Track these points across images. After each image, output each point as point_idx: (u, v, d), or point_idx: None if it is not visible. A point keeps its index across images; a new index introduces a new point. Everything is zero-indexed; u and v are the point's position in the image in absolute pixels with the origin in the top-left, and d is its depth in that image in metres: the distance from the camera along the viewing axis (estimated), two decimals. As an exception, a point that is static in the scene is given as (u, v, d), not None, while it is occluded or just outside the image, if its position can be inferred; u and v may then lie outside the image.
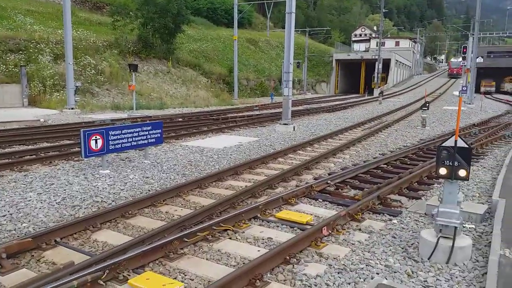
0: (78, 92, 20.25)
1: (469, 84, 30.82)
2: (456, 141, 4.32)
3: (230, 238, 5.11)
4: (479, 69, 49.17)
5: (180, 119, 17.77)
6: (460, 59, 60.98)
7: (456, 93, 40.96)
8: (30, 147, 10.68)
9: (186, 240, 4.78)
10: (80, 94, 21.33)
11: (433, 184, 7.63)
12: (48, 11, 30.59)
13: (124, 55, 28.13)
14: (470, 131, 14.96)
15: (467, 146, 4.36)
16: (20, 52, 22.17)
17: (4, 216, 5.46)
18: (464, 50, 32.40)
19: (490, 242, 4.64)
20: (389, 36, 79.55)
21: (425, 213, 5.93)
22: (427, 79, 72.56)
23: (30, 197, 6.23)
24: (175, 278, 4.06)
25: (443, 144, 4.42)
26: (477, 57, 32.27)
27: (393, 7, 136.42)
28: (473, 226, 5.41)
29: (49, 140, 11.72)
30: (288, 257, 4.44)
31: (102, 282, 3.79)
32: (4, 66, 20.81)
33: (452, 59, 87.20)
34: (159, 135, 9.17)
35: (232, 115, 20.44)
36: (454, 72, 76.45)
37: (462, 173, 4.34)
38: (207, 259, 4.52)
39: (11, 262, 4.29)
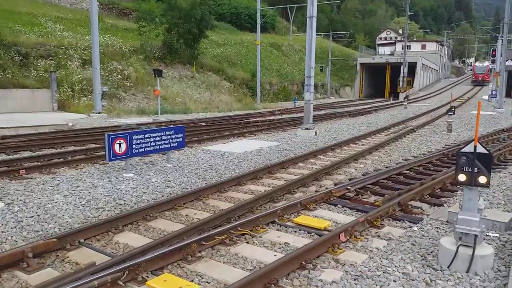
0: (105, 96, 20.86)
1: (498, 88, 29.91)
2: (475, 146, 4.24)
3: (247, 242, 5.16)
4: (510, 73, 47.66)
5: (203, 124, 18.00)
6: (486, 63, 56.66)
7: (486, 97, 39.80)
8: (58, 150, 11.07)
9: (204, 243, 4.86)
10: (107, 99, 21.95)
11: (456, 191, 7.45)
12: (77, 17, 31.64)
13: (149, 61, 28.76)
14: (498, 136, 14.52)
15: (487, 152, 4.27)
16: (50, 58, 23.02)
17: (32, 217, 5.69)
18: (494, 53, 31.51)
19: (513, 251, 4.52)
20: (415, 39, 78.11)
21: (447, 221, 5.81)
22: (455, 83, 70.75)
23: (57, 199, 6.47)
24: (192, 281, 4.14)
25: (462, 150, 4.34)
26: (506, 60, 31.27)
27: (419, 9, 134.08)
28: (497, 235, 5.27)
29: (76, 144, 12.11)
30: (304, 263, 4.45)
31: (121, 283, 3.90)
32: (35, 71, 21.66)
33: (477, 63, 75.32)
34: (181, 139, 9.33)
35: (254, 119, 20.55)
36: (479, 79, 66.58)
37: (482, 179, 4.25)
38: (224, 263, 4.59)
39: (37, 261, 4.47)
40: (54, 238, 4.80)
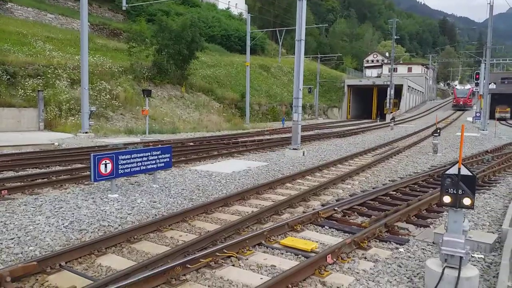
0: (92, 116, 20.72)
1: (482, 110, 30.59)
2: (459, 169, 4.29)
3: (233, 265, 5.09)
4: (493, 95, 48.71)
5: (191, 144, 17.95)
6: (468, 86, 55.58)
7: (470, 119, 40.60)
8: (42, 170, 10.89)
9: (189, 266, 4.77)
10: (95, 118, 21.80)
11: (442, 212, 7.49)
12: (67, 38, 31.69)
13: (138, 81, 28.80)
14: (482, 157, 14.74)
15: (471, 174, 4.32)
16: (38, 77, 22.89)
17: (12, 239, 5.54)
18: (477, 76, 32.36)
19: (498, 273, 4.52)
20: (401, 62, 79.76)
21: (433, 242, 5.82)
22: (440, 105, 72.12)
23: (39, 220, 6.32)
24: (176, 305, 4.04)
25: (447, 172, 4.39)
26: (489, 83, 32.10)
27: (405, 33, 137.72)
28: (482, 256, 5.28)
29: (62, 164, 11.94)
30: (290, 286, 4.40)
31: (102, 308, 3.79)
32: (22, 90, 21.48)
33: (457, 86, 67.39)
34: (168, 159, 9.27)
35: (243, 139, 20.57)
36: (461, 103, 60.56)
37: (466, 201, 4.28)
38: (208, 286, 4.50)
39: (15, 285, 4.33)
40: (34, 261, 4.67)
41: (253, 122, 34.87)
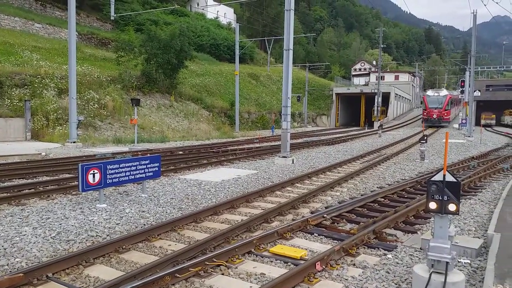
0: (80, 126, 20.54)
1: (468, 117, 31.12)
2: (444, 175, 4.38)
3: (222, 274, 5.08)
4: (478, 102, 49.58)
5: (181, 152, 17.89)
6: (444, 92, 45.01)
7: (456, 126, 41.20)
8: (29, 180, 10.74)
9: (178, 275, 4.76)
10: (83, 128, 21.61)
11: (429, 218, 7.59)
12: (55, 47, 31.48)
13: (127, 90, 28.67)
14: (468, 164, 14.97)
15: (456, 181, 4.41)
16: (25, 87, 22.65)
17: (-3, 251, 5.46)
18: (462, 84, 32.97)
19: (484, 277, 4.60)
20: (388, 70, 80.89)
21: (420, 248, 5.89)
22: (428, 112, 72.97)
23: (25, 231, 6.24)
24: (165, 315, 4.02)
25: (432, 179, 4.47)
26: (474, 91, 32.71)
27: (392, 42, 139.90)
28: (468, 261, 5.36)
29: (49, 174, 11.80)
30: (279, 293, 4.41)
31: (90, 319, 3.76)
32: (9, 100, 21.23)
33: (429, 92, 47.78)
34: (157, 168, 9.24)
35: (232, 147, 20.58)
36: (434, 117, 43.05)
37: (452, 207, 4.35)
38: (198, 295, 4.49)
39: (1, 298, 4.27)
40: (20, 273, 4.60)
41: (243, 130, 34.93)
